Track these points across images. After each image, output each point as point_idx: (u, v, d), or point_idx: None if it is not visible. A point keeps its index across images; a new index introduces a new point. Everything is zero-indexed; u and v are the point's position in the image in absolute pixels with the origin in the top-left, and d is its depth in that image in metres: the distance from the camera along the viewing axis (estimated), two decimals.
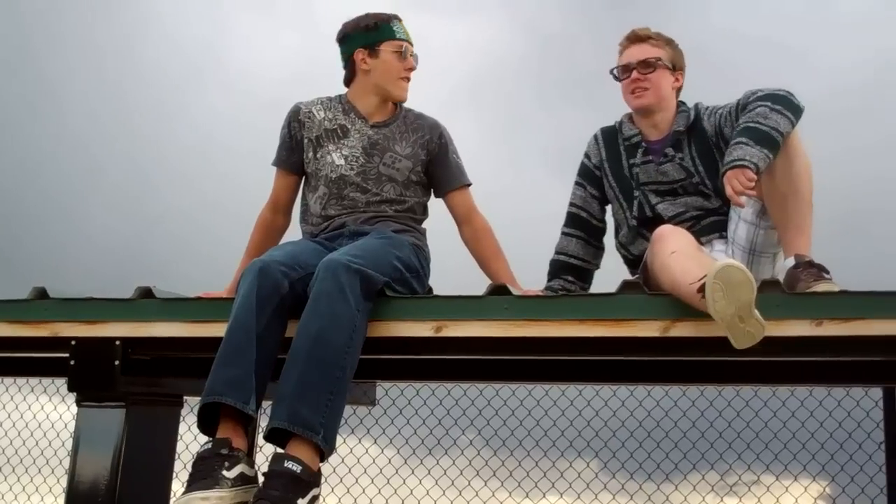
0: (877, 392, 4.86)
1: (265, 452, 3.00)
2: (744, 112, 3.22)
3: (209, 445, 2.81)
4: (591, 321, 2.93)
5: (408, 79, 3.62)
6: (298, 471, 2.70)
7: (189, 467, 2.83)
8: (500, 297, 3.05)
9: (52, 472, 5.38)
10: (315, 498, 2.74)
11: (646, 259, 3.29)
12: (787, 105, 3.15)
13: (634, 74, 3.58)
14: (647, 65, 3.58)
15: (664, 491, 5.70)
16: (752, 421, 5.40)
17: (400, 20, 3.65)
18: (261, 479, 2.76)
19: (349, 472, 5.24)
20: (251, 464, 2.86)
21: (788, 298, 2.83)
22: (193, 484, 2.73)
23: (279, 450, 2.82)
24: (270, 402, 2.92)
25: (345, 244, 3.36)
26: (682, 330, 2.87)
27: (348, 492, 5.32)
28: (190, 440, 3.99)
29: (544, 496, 5.68)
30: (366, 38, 3.61)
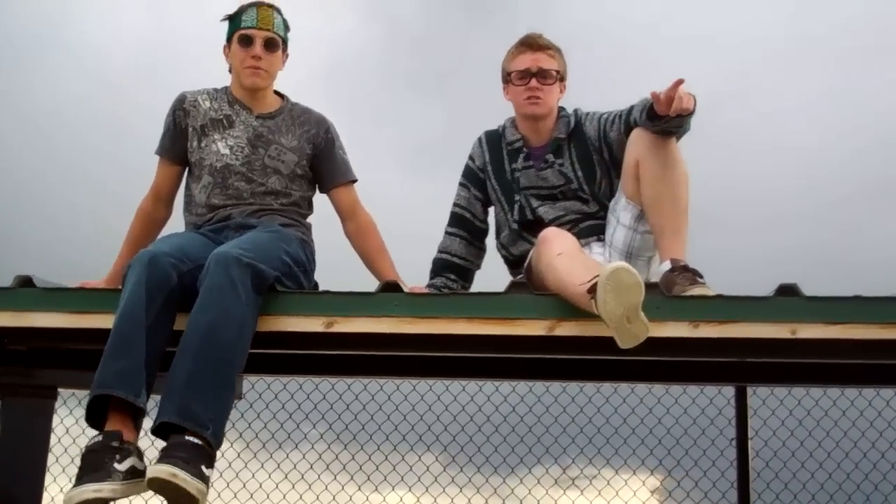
0: (729, 390, 5.12)
1: (157, 447, 2.95)
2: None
3: (99, 438, 2.77)
4: (479, 319, 3.02)
5: (255, 67, 3.56)
6: (200, 443, 2.68)
7: (77, 460, 2.78)
8: (391, 293, 3.11)
9: None
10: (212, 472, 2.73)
11: (530, 260, 3.40)
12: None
13: (533, 83, 3.65)
14: (546, 76, 3.66)
15: (510, 484, 5.86)
16: (595, 417, 5.62)
17: (258, 6, 3.60)
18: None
19: None
20: (141, 457, 2.82)
21: (667, 301, 2.98)
22: (85, 476, 2.68)
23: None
24: (158, 395, 2.90)
25: (231, 236, 3.35)
26: (567, 329, 2.99)
27: None
28: (62, 433, 3.90)
29: (393, 489, 5.76)
30: (227, 32, 3.64)
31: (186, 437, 2.70)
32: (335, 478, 5.69)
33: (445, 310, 3.04)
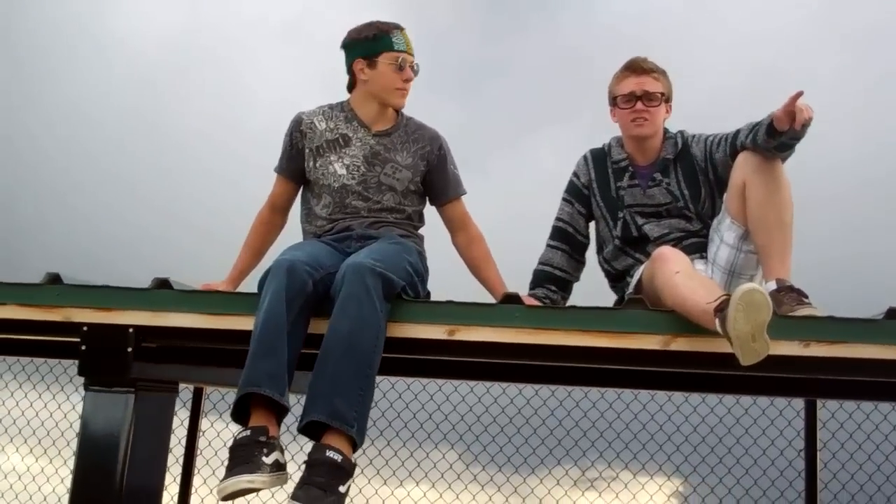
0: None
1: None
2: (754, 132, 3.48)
3: (248, 433, 2.96)
4: (596, 332, 3.18)
5: (405, 90, 3.74)
6: (339, 460, 2.87)
7: (227, 452, 2.96)
8: (512, 305, 3.27)
9: (44, 452, 5.42)
10: (349, 486, 2.92)
11: (641, 276, 3.55)
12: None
13: (639, 105, 3.81)
14: (651, 98, 3.81)
15: (529, 484, 6.01)
16: (615, 422, 5.76)
17: (401, 30, 3.75)
18: (302, 467, 2.91)
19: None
20: (283, 451, 3.01)
21: (780, 321, 3.12)
22: (235, 468, 2.88)
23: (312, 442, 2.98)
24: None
25: (353, 246, 3.51)
26: (682, 345, 3.14)
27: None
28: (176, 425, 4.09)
29: (417, 485, 5.94)
30: (365, 48, 3.72)
31: (327, 454, 2.89)
32: (362, 471, 5.87)
33: (564, 322, 3.20)
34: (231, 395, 5.49)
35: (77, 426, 3.57)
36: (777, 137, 3.32)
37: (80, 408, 3.52)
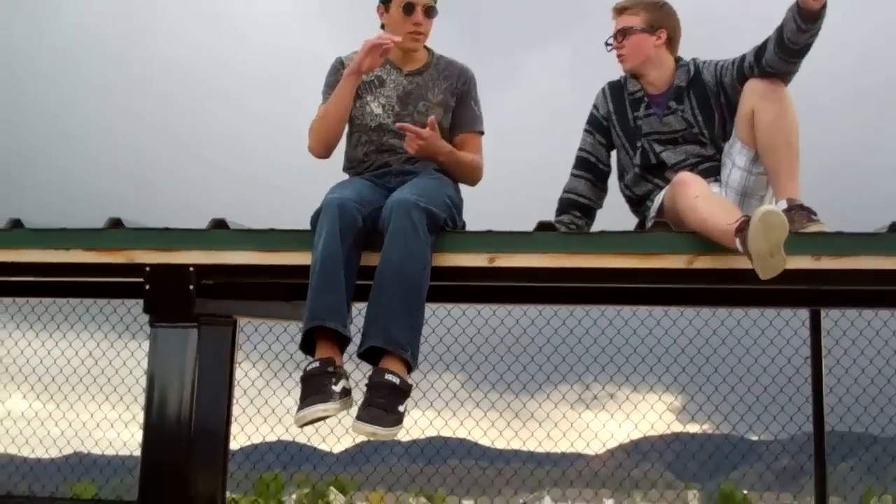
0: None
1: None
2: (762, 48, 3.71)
3: (317, 364, 3.24)
4: (627, 254, 3.47)
5: (416, 33, 3.87)
6: (398, 382, 3.17)
7: (300, 383, 3.24)
8: (547, 232, 3.55)
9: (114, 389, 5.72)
10: (406, 404, 3.22)
11: (663, 200, 3.82)
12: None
13: (615, 44, 4.15)
14: (625, 34, 4.11)
15: (529, 408, 6.34)
16: (615, 338, 6.07)
17: None
18: (363, 389, 3.20)
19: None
20: (348, 378, 3.30)
21: (792, 237, 3.39)
22: (308, 398, 3.17)
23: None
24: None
25: (393, 181, 3.76)
26: (705, 262, 3.44)
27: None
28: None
29: (416, 405, 6.25)
30: None
31: (386, 377, 3.17)
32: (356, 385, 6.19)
33: (597, 246, 3.49)
34: (275, 327, 5.81)
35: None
36: (813, 18, 3.49)
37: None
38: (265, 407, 6.40)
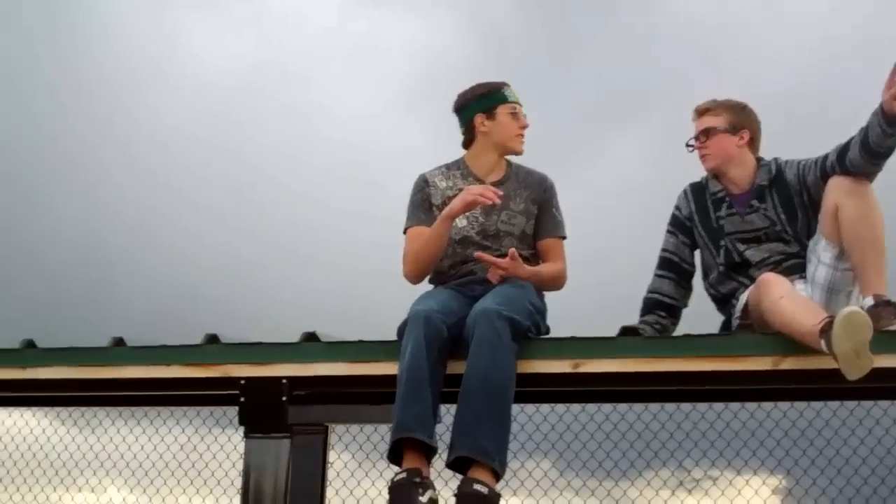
0: None
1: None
2: (845, 149, 3.74)
3: (404, 475, 3.29)
4: (710, 357, 3.48)
5: (522, 135, 4.09)
6: (486, 492, 3.20)
7: (385, 493, 3.31)
8: (630, 337, 3.58)
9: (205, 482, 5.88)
10: None
11: (748, 301, 3.82)
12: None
13: (697, 144, 4.21)
14: (707, 134, 4.18)
15: (621, 486, 6.24)
16: (716, 422, 5.96)
17: (509, 86, 4.13)
18: (452, 500, 3.25)
19: None
20: (434, 488, 3.35)
21: (880, 336, 3.36)
22: None
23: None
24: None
25: (477, 290, 3.83)
26: (791, 364, 3.43)
27: None
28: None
29: (514, 493, 6.21)
30: (483, 104, 4.08)
31: (475, 487, 3.21)
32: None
33: (680, 350, 3.51)
34: (366, 430, 5.90)
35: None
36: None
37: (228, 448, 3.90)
38: (365, 497, 6.43)
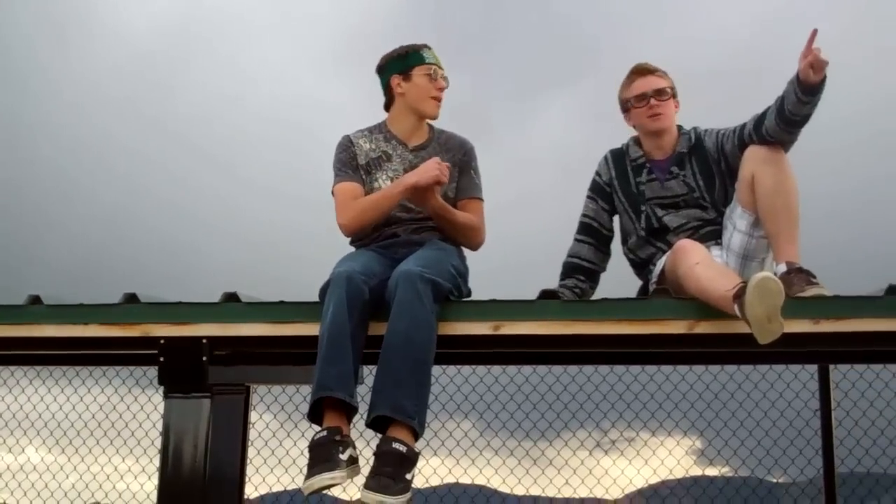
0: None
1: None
2: (762, 117, 3.82)
3: (324, 433, 3.31)
4: (627, 321, 3.54)
5: (439, 98, 4.06)
6: (405, 450, 3.24)
7: (306, 452, 3.32)
8: (549, 300, 3.63)
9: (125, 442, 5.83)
10: (414, 473, 3.29)
11: (664, 266, 3.90)
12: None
13: (652, 102, 4.19)
14: (662, 93, 4.19)
15: (539, 446, 6.38)
16: (632, 384, 6.11)
17: (429, 48, 4.10)
18: (371, 459, 3.28)
19: None
20: (354, 446, 3.38)
21: (792, 302, 3.46)
22: (316, 467, 3.24)
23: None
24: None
25: (400, 252, 3.84)
26: (705, 328, 3.51)
27: None
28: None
29: (435, 454, 6.29)
30: (399, 65, 4.07)
31: (393, 446, 3.24)
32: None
33: (598, 313, 3.57)
34: (287, 391, 5.91)
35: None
36: (813, 91, 3.60)
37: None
38: (286, 457, 6.45)
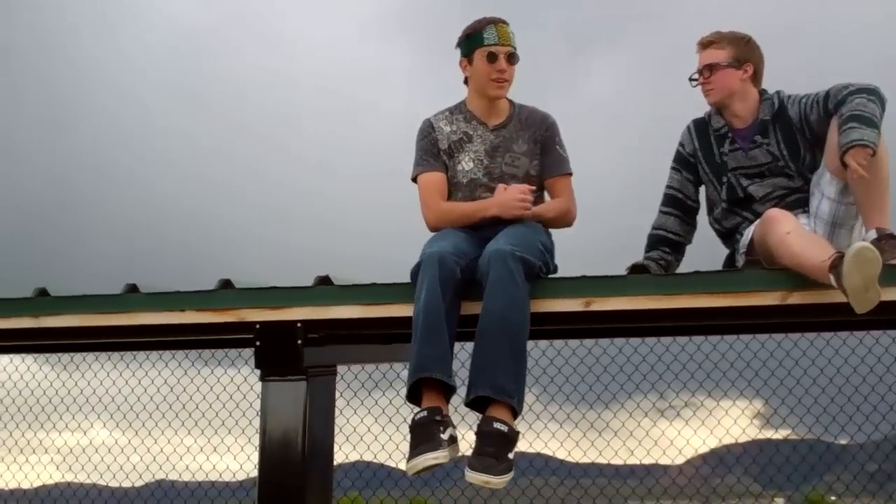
0: None
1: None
2: (842, 104, 3.76)
3: (425, 413, 3.37)
4: (719, 294, 3.54)
5: (500, 80, 4.02)
6: (506, 430, 3.28)
7: (408, 432, 3.38)
8: (640, 275, 3.64)
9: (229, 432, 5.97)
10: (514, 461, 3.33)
11: (753, 235, 3.88)
12: (879, 97, 3.72)
13: (701, 79, 4.21)
14: (712, 69, 4.18)
15: (611, 411, 6.38)
16: (696, 353, 6.09)
17: (496, 24, 4.02)
18: (473, 438, 3.32)
19: None
20: (454, 426, 3.43)
21: (886, 269, 3.43)
22: (419, 447, 3.30)
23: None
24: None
25: (486, 231, 3.86)
26: (799, 298, 3.49)
27: None
28: None
29: None
30: (464, 48, 4.08)
31: (495, 426, 3.29)
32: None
33: (689, 287, 3.57)
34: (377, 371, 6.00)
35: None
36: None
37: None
38: (345, 428, 6.57)
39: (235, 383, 6.17)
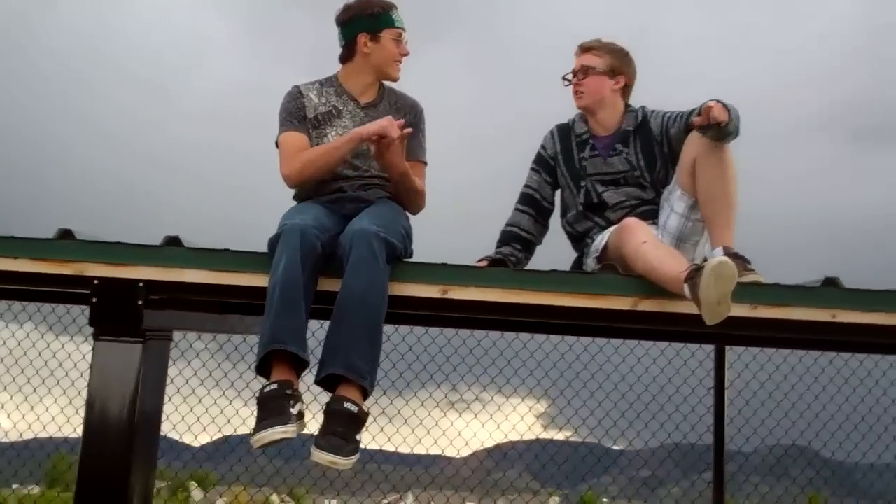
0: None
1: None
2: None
3: (275, 386, 3.27)
4: (574, 293, 3.60)
5: (401, 62, 4.05)
6: (356, 410, 3.23)
7: (256, 404, 3.27)
8: (500, 268, 3.66)
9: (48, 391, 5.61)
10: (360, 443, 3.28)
11: (608, 242, 3.97)
12: (739, 120, 3.86)
13: (576, 79, 4.30)
14: (585, 73, 4.29)
15: (403, 399, 6.52)
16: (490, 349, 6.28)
17: (397, 9, 4.05)
18: (320, 417, 3.25)
19: None
20: (303, 401, 3.34)
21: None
22: (267, 420, 3.19)
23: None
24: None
25: (348, 207, 3.80)
26: (648, 305, 3.59)
27: None
28: None
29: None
30: (369, 23, 4.00)
31: (345, 405, 3.24)
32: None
33: (546, 284, 3.61)
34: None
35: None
36: (704, 131, 3.80)
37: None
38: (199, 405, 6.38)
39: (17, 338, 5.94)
